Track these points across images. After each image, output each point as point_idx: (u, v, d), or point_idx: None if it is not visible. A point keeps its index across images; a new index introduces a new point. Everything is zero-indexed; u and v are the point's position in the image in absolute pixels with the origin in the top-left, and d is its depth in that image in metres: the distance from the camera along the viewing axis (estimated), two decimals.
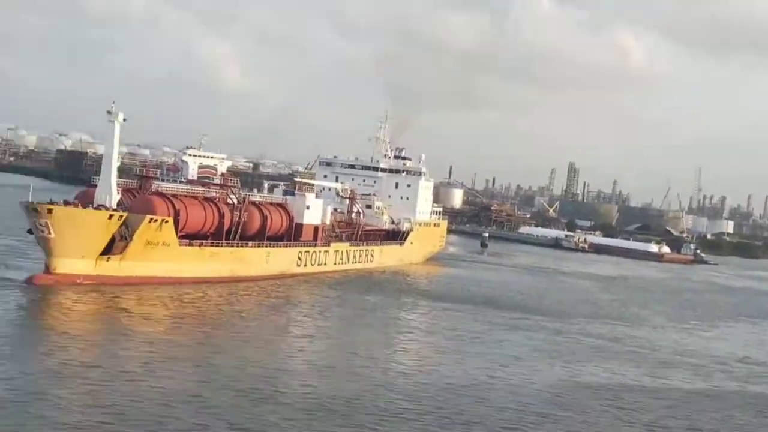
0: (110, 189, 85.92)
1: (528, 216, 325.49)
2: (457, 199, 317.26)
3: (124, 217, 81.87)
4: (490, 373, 63.12)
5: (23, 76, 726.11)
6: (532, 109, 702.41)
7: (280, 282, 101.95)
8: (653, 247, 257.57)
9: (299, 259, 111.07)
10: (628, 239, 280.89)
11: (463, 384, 58.64)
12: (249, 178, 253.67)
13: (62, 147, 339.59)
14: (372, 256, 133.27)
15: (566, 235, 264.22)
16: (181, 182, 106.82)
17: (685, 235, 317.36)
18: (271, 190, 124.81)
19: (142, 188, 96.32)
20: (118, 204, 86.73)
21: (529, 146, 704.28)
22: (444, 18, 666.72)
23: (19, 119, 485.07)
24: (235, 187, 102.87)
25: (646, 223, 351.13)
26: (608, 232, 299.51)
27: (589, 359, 73.77)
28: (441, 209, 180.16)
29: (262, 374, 55.19)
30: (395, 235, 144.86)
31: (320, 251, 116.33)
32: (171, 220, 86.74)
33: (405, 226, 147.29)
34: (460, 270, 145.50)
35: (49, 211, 77.78)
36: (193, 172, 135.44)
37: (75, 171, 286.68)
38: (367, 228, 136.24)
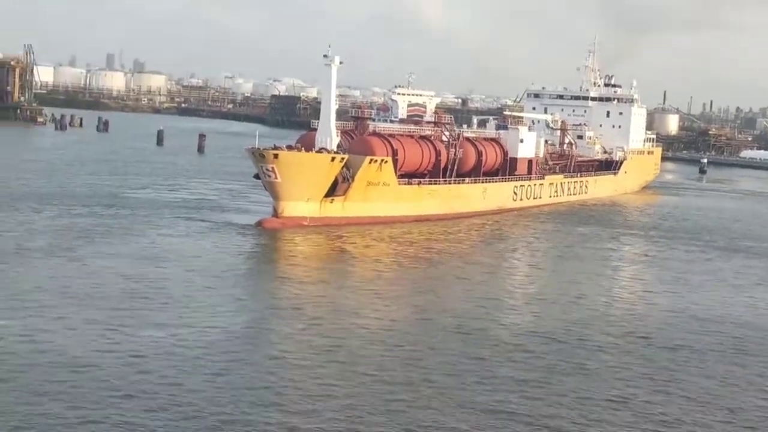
0: (330, 132, 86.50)
1: (750, 139, 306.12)
2: (672, 125, 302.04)
3: (345, 159, 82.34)
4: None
5: (236, 27, 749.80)
6: (748, 26, 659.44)
7: (498, 217, 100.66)
8: None
9: (515, 193, 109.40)
10: None
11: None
12: (458, 113, 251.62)
13: (276, 92, 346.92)
14: (586, 187, 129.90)
15: None
16: (392, 121, 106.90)
17: None
18: (480, 124, 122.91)
19: (358, 129, 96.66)
20: (338, 146, 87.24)
21: (746, 66, 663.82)
22: None
23: (235, 67, 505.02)
24: (449, 123, 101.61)
25: None
26: None
27: None
28: (654, 136, 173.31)
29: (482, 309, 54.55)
30: (608, 165, 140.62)
31: (535, 185, 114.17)
32: (390, 160, 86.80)
33: (618, 156, 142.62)
34: (677, 198, 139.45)
35: (275, 156, 79.16)
36: (402, 111, 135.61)
37: (289, 115, 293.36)
38: (580, 159, 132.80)
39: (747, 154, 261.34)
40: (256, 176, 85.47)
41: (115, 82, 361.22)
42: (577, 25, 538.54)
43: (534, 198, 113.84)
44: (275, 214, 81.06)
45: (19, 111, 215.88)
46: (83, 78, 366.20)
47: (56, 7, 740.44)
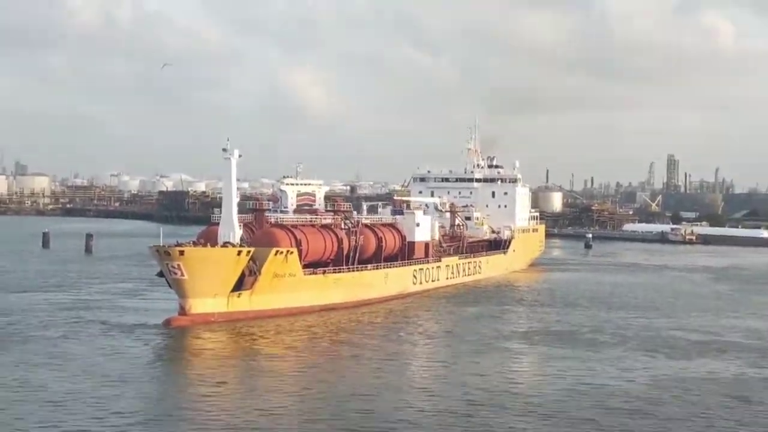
0: (233, 225, 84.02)
1: (630, 213, 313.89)
2: (556, 202, 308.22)
3: (251, 252, 79.75)
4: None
5: (119, 123, 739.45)
6: (624, 104, 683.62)
7: (399, 302, 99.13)
8: (764, 233, 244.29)
9: (414, 277, 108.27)
10: (737, 227, 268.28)
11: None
12: (347, 201, 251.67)
13: (164, 188, 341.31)
14: (480, 267, 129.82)
15: (672, 229, 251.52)
16: (283, 211, 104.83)
17: None
18: (370, 210, 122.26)
19: (257, 221, 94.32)
20: (240, 239, 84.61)
21: (624, 142, 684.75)
22: (523, 18, 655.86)
23: (121, 165, 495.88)
24: (348, 211, 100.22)
25: (754, 208, 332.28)
26: (715, 221, 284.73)
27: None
28: (538, 214, 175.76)
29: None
30: (497, 245, 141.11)
31: (433, 267, 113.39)
32: (295, 250, 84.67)
33: (506, 234, 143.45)
34: (566, 274, 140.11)
35: (181, 252, 76.20)
36: (292, 201, 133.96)
37: (178, 210, 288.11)
38: (471, 240, 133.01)
39: (629, 227, 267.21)
40: (159, 274, 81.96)
41: None
42: (457, 109, 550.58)
43: (432, 281, 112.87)
44: (182, 311, 77.56)
45: None
46: None
47: None
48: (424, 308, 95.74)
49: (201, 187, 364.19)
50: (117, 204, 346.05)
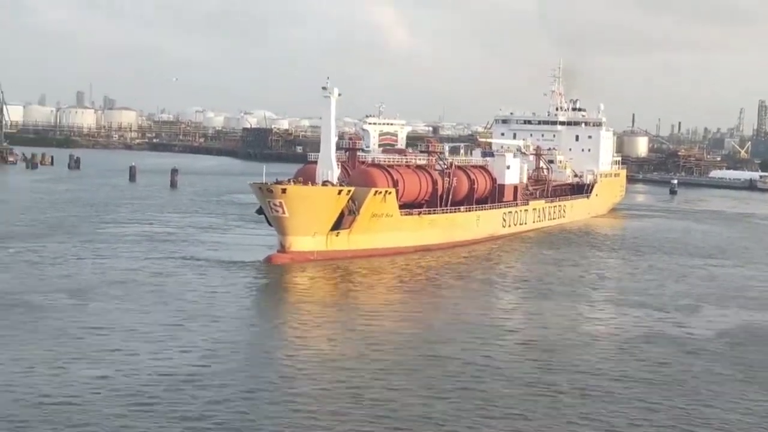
0: (331, 164, 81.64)
1: (718, 159, 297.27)
2: (642, 147, 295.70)
3: (351, 192, 77.30)
4: None
5: (204, 60, 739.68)
6: (716, 47, 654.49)
7: (492, 244, 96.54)
8: None
9: (504, 220, 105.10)
10: None
11: None
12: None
13: (247, 125, 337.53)
14: (564, 211, 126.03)
15: (761, 176, 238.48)
16: (364, 151, 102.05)
17: None
18: (452, 152, 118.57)
19: (351, 161, 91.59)
20: (338, 179, 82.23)
21: (714, 87, 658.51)
22: None
23: (206, 101, 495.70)
24: (441, 152, 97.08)
25: None
26: None
27: None
28: (620, 158, 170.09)
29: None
30: (579, 189, 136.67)
31: (521, 211, 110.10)
32: (393, 191, 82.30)
33: (588, 179, 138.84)
34: (652, 221, 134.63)
35: (283, 191, 74.18)
36: (374, 140, 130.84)
37: (261, 147, 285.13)
38: (555, 183, 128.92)
39: (716, 174, 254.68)
40: (259, 211, 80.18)
41: (86, 119, 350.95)
42: (541, 51, 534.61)
43: (520, 224, 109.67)
44: (282, 249, 75.72)
45: None
46: (53, 116, 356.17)
47: (23, 47, 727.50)
48: (515, 251, 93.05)
49: (284, 124, 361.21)
50: (201, 140, 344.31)
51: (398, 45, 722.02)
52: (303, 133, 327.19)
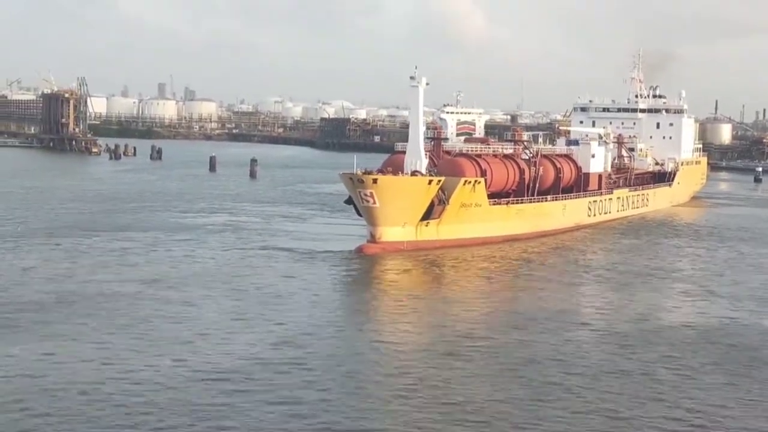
0: (419, 154, 79.86)
1: None
2: (725, 134, 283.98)
3: (441, 182, 75.39)
4: None
5: (279, 50, 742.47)
6: None
7: (579, 234, 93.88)
8: None
9: (589, 209, 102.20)
10: None
11: None
12: (508, 130, 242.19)
13: (325, 115, 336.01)
14: (647, 199, 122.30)
15: None
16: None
17: None
18: (531, 140, 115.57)
19: (435, 150, 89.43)
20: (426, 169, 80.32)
21: None
22: None
23: (284, 91, 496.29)
24: (528, 141, 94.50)
25: None
26: None
27: None
28: (701, 146, 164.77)
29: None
30: (661, 177, 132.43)
31: (605, 200, 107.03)
32: (482, 181, 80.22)
33: (670, 167, 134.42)
34: (735, 209, 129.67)
35: (374, 181, 72.72)
36: (452, 129, 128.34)
37: (339, 137, 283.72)
38: (637, 172, 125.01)
39: None
40: (348, 201, 78.86)
41: (167, 110, 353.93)
42: (620, 37, 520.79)
43: (605, 213, 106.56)
44: (372, 239, 74.27)
45: (74, 142, 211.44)
46: (135, 107, 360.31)
47: (106, 39, 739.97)
48: (603, 241, 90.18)
49: (362, 114, 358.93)
50: (280, 130, 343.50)
51: (476, 33, 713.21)
52: (381, 122, 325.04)
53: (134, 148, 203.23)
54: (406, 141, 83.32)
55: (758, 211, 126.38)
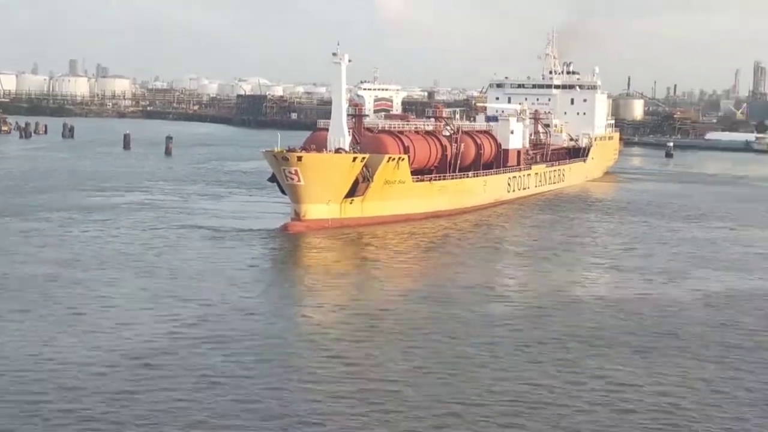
0: (343, 131, 78.56)
1: (714, 121, 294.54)
2: (637, 110, 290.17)
3: (366, 159, 74.24)
4: None
5: (198, 27, 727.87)
6: (712, 7, 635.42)
7: (499, 209, 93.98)
8: None
9: (509, 185, 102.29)
10: None
11: None
12: (425, 107, 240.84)
13: (242, 92, 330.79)
14: (563, 175, 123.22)
15: (757, 138, 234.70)
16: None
17: None
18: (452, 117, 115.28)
19: (356, 128, 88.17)
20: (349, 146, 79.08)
21: (709, 49, 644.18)
22: None
23: (200, 69, 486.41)
24: (449, 117, 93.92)
25: None
26: None
27: None
28: (613, 121, 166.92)
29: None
30: (575, 153, 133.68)
31: (524, 175, 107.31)
32: (406, 157, 79.31)
33: (584, 142, 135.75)
34: (648, 184, 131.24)
35: (299, 158, 71.21)
36: (369, 106, 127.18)
37: (256, 114, 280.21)
38: (552, 147, 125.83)
39: (712, 136, 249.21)
40: (271, 179, 77.14)
41: (79, 87, 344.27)
42: (537, 13, 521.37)
43: (524, 189, 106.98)
44: (296, 217, 72.78)
45: None
46: (46, 85, 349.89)
47: (15, 16, 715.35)
48: (521, 217, 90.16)
49: (279, 91, 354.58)
50: (196, 107, 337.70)
51: (394, 9, 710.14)
52: (298, 99, 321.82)
53: (45, 126, 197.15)
54: (324, 118, 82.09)
55: (669, 186, 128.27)
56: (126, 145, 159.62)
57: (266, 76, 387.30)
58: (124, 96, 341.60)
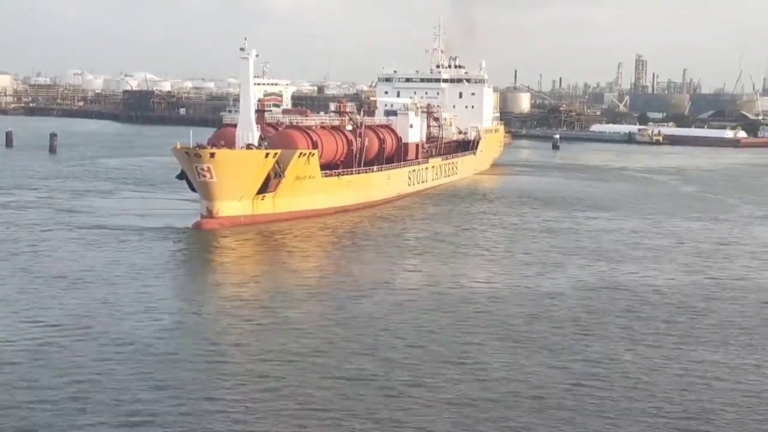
0: (251, 126, 75.91)
1: (598, 113, 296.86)
2: (524, 103, 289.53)
3: (277, 155, 71.51)
4: None
5: (77, 18, 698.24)
6: (594, 2, 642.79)
7: (401, 203, 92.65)
8: (729, 133, 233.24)
9: (409, 178, 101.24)
10: (703, 127, 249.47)
11: None
12: (315, 101, 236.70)
13: (128, 87, 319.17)
14: (457, 168, 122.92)
15: (639, 129, 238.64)
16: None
17: (760, 117, 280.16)
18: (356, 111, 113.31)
19: (259, 123, 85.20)
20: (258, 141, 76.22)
21: (593, 42, 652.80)
22: None
23: (84, 64, 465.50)
24: (352, 112, 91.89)
25: (720, 109, 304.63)
26: (681, 122, 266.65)
27: None
28: (499, 114, 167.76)
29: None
30: (465, 145, 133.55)
31: (423, 169, 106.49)
32: (316, 153, 76.93)
33: (472, 135, 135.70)
34: (535, 177, 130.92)
35: (212, 155, 67.96)
36: (287, 101, 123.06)
37: (143, 110, 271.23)
38: (444, 141, 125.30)
39: (596, 128, 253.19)
40: (180, 176, 73.52)
41: None
42: (424, 6, 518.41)
43: (422, 182, 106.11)
44: (209, 214, 69.56)
45: None
46: None
47: None
48: (420, 210, 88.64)
49: (166, 86, 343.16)
50: (81, 103, 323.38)
51: (283, 3, 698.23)
52: (186, 95, 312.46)
53: None
54: (212, 115, 79.09)
55: (555, 178, 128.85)
56: (9, 142, 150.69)
57: (153, 71, 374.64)
58: (5, 92, 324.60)
